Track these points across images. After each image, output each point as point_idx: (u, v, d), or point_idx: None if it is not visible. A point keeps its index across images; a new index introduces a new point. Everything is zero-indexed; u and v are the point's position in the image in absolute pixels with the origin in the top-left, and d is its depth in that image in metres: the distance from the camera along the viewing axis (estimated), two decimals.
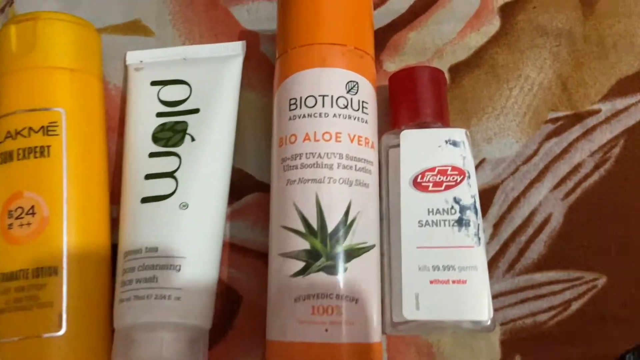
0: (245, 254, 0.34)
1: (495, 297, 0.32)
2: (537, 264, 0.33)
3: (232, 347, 0.33)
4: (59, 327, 0.29)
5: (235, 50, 0.36)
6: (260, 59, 0.37)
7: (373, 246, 0.30)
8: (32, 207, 0.30)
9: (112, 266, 0.32)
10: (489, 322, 0.29)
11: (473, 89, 0.36)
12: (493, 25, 0.37)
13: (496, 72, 0.36)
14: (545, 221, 0.34)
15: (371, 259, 0.29)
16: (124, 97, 0.36)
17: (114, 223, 0.33)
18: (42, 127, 0.31)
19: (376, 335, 0.29)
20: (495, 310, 0.32)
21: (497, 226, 0.34)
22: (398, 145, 0.31)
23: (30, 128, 0.31)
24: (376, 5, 0.38)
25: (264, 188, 0.35)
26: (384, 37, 0.37)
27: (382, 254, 0.31)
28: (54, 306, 0.29)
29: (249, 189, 0.35)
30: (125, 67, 0.37)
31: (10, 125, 0.31)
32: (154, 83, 0.35)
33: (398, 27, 0.37)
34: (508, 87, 0.36)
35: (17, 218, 0.30)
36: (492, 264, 0.33)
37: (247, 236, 0.34)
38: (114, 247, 0.32)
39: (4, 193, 0.31)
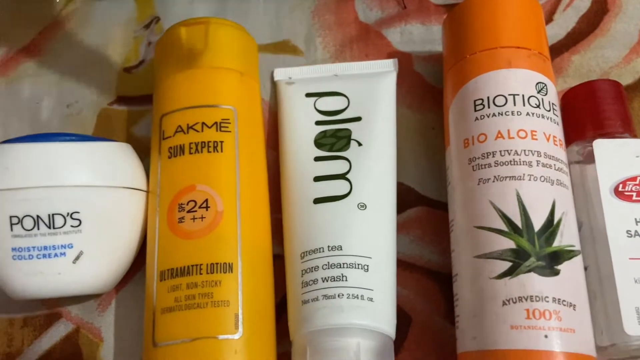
0: (411, 270, 0.31)
1: None
2: None
3: None
4: (236, 328, 0.26)
5: (387, 67, 0.35)
6: (414, 77, 0.36)
7: (579, 252, 0.27)
8: (206, 200, 0.28)
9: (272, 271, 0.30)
10: None
11: None
12: None
13: None
14: None
15: (580, 265, 0.27)
16: (272, 112, 0.36)
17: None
18: (216, 123, 0.30)
19: (593, 350, 0.25)
20: None
21: None
22: (581, 162, 0.30)
23: (204, 123, 0.30)
24: None
25: (428, 202, 0.33)
26: None
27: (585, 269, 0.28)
28: (231, 305, 0.26)
29: (412, 203, 0.33)
30: (274, 83, 0.36)
31: (182, 120, 0.30)
32: (308, 95, 0.34)
33: (560, 51, 0.36)
34: None
35: (189, 211, 0.28)
36: None
37: (412, 251, 0.32)
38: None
39: (173, 186, 0.29)
